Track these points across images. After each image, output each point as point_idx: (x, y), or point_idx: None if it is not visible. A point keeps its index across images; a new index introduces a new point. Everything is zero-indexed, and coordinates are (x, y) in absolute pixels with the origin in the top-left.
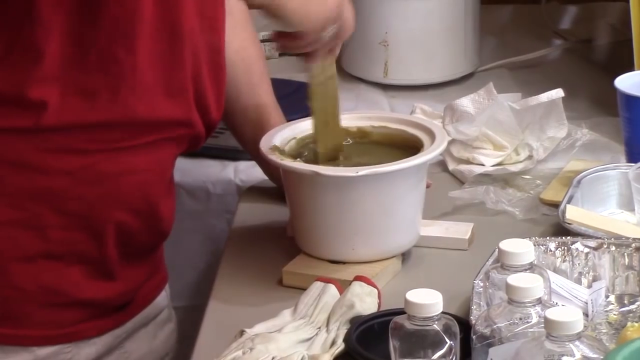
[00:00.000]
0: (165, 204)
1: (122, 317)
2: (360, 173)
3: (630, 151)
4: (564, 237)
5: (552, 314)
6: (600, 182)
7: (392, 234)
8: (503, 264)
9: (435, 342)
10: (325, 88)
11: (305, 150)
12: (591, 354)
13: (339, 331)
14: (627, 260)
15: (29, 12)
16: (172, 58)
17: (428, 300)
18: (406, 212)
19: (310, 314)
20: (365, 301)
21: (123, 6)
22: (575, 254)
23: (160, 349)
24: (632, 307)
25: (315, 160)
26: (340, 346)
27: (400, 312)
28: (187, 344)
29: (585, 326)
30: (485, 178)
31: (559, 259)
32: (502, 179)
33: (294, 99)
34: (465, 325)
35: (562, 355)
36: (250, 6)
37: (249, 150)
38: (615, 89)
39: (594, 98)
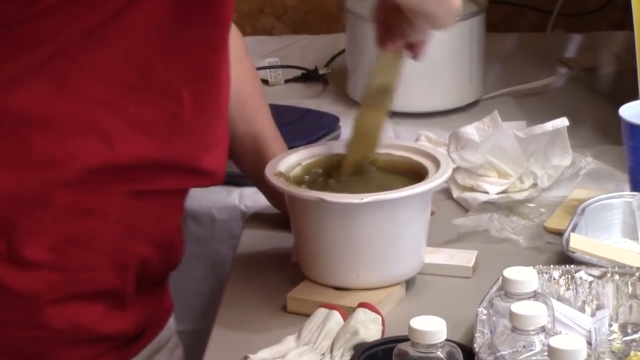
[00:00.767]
0: (179, 234)
1: (137, 346)
2: (365, 200)
3: (634, 180)
4: (567, 266)
5: (555, 342)
6: (604, 211)
7: (396, 261)
8: (507, 291)
9: None
10: (380, 97)
11: (310, 176)
12: None
13: (342, 358)
14: (630, 289)
15: None
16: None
17: (432, 328)
18: (410, 239)
19: (314, 340)
20: (369, 328)
21: None
22: (579, 283)
23: None
24: (636, 336)
25: (325, 184)
26: None
27: (404, 339)
28: None
29: (588, 355)
30: (490, 206)
31: (563, 287)
32: (506, 206)
33: (299, 126)
34: (469, 352)
35: None
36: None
37: (251, 179)
38: (619, 118)
39: (599, 126)
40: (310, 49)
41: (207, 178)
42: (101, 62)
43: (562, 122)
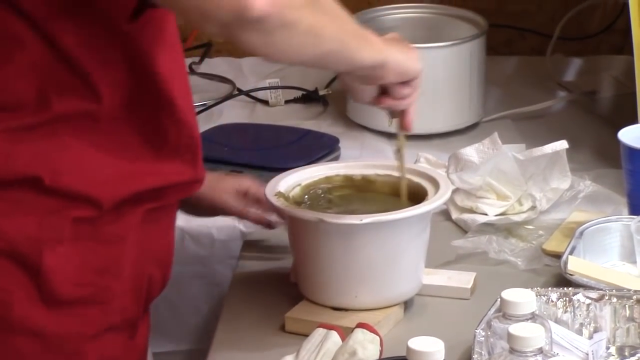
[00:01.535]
0: (173, 250)
1: None
2: (364, 221)
3: (632, 203)
4: (565, 288)
5: None
6: (602, 234)
7: (395, 282)
8: (505, 313)
9: None
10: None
11: (309, 196)
12: None
13: None
14: (628, 312)
15: None
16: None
17: (430, 349)
18: (409, 261)
19: None
20: (367, 348)
21: None
22: (576, 305)
23: None
24: (633, 359)
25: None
26: None
27: (402, 359)
28: None
29: None
30: (489, 227)
31: (561, 310)
32: (505, 228)
33: (299, 146)
34: None
35: None
36: (360, 70)
37: None
38: (618, 141)
39: (597, 150)
40: (310, 70)
41: (200, 182)
42: None
43: (562, 144)
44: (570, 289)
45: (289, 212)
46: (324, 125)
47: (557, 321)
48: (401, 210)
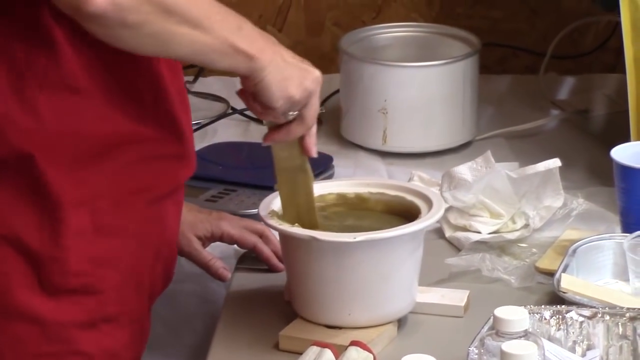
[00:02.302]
0: (175, 247)
1: None
2: (357, 239)
3: (625, 221)
4: (558, 306)
5: None
6: (595, 252)
7: (388, 299)
8: (498, 331)
9: None
10: (293, 177)
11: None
12: None
13: None
14: (621, 329)
15: None
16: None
17: None
18: (403, 278)
19: None
20: None
21: None
22: (569, 323)
23: None
24: None
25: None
26: None
27: None
28: None
29: None
30: (482, 245)
31: (554, 327)
32: (498, 246)
33: None
34: None
35: None
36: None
37: None
38: (611, 160)
39: (590, 168)
40: None
41: (189, 165)
42: None
43: (555, 162)
44: (563, 306)
45: (282, 230)
46: (318, 144)
47: (550, 339)
48: (395, 228)
